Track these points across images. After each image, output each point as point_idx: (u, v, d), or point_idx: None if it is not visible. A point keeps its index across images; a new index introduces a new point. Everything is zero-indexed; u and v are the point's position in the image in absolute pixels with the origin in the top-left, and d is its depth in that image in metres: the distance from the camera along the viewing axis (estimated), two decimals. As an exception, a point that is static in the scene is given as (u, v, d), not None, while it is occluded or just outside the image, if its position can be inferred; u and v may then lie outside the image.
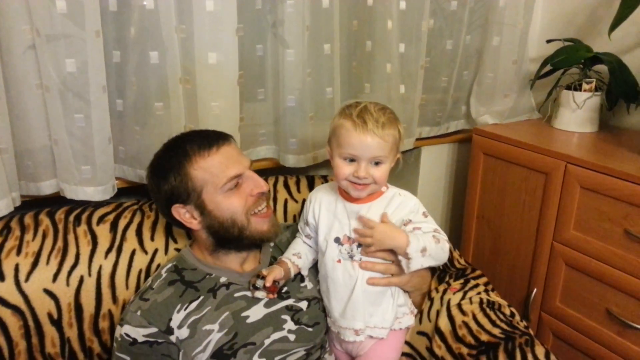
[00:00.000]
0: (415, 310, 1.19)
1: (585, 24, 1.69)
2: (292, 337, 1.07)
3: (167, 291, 1.04)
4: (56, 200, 1.24)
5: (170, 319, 1.00)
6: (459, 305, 1.17)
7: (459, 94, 1.74)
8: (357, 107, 1.01)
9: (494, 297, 1.22)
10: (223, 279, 1.09)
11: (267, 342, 1.04)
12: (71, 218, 1.20)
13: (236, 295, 1.07)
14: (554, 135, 1.58)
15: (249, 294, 1.08)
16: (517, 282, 1.60)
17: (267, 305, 1.08)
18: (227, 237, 1.07)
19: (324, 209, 1.12)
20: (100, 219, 1.21)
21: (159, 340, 0.99)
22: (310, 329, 1.10)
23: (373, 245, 1.04)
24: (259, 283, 1.06)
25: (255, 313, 1.06)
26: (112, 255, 1.17)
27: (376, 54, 1.47)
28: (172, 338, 1.00)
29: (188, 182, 1.04)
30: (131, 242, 1.20)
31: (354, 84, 1.52)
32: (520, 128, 1.67)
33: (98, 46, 1.14)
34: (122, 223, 1.22)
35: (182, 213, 1.07)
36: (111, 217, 1.23)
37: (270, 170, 1.48)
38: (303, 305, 1.12)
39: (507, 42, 1.62)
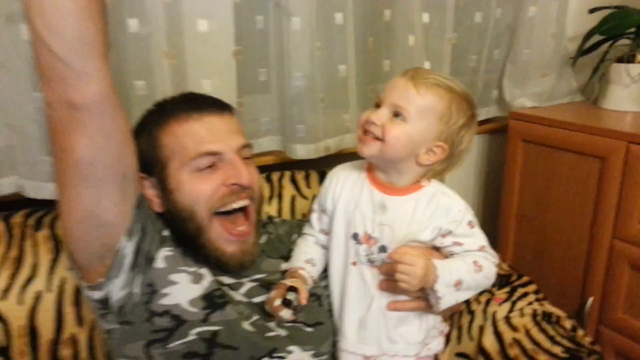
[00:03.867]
0: (446, 330, 0.99)
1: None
2: (283, 332, 0.86)
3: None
4: (23, 204, 1.06)
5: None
6: (508, 319, 1.06)
7: (489, 77, 1.60)
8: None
9: (549, 307, 1.11)
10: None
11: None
12: (31, 221, 1.02)
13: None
14: (606, 116, 1.45)
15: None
16: (568, 291, 1.45)
17: (248, 295, 0.89)
18: (184, 234, 0.87)
19: (346, 194, 0.92)
20: (69, 222, 1.02)
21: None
22: (309, 329, 0.88)
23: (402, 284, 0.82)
24: (291, 295, 0.83)
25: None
26: (80, 266, 1.00)
27: (396, 24, 1.31)
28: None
29: (155, 148, 0.86)
30: (103, 250, 1.01)
31: (371, 60, 1.36)
32: (563, 110, 1.54)
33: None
34: (94, 227, 1.03)
35: (147, 186, 0.88)
36: (82, 219, 1.04)
37: (276, 167, 1.31)
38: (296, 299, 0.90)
39: (543, 12, 1.48)
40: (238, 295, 0.87)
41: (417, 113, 0.81)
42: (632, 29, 1.39)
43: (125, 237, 0.77)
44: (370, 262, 0.87)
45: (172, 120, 0.86)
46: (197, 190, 0.84)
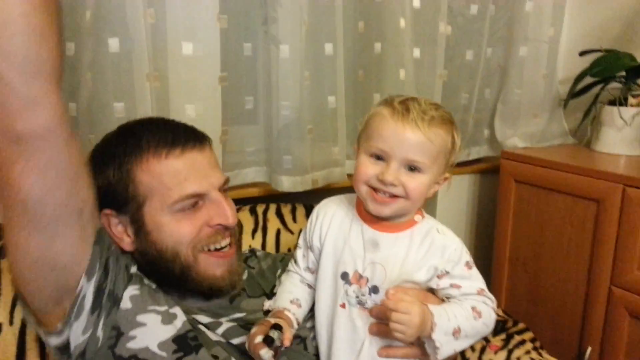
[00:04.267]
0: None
1: (620, 37, 1.53)
2: None
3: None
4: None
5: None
6: (504, 369, 1.02)
7: (480, 116, 1.57)
8: (402, 96, 0.81)
9: (548, 357, 1.08)
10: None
11: None
12: (-6, 248, 0.94)
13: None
14: (600, 159, 1.40)
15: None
16: (565, 340, 1.37)
17: (226, 336, 0.80)
18: (166, 274, 0.81)
19: (335, 229, 0.85)
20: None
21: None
22: None
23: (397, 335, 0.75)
24: (274, 334, 0.75)
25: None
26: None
27: (387, 57, 1.28)
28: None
29: (130, 184, 0.79)
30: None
31: (361, 92, 1.33)
32: (556, 152, 1.49)
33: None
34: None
35: (114, 224, 0.80)
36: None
37: (261, 199, 1.25)
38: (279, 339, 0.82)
39: (534, 53, 1.47)
40: (215, 336, 0.79)
41: (432, 161, 0.77)
42: (623, 72, 1.37)
43: (85, 278, 0.69)
44: (361, 303, 0.79)
45: (150, 156, 0.79)
46: (180, 233, 0.79)
